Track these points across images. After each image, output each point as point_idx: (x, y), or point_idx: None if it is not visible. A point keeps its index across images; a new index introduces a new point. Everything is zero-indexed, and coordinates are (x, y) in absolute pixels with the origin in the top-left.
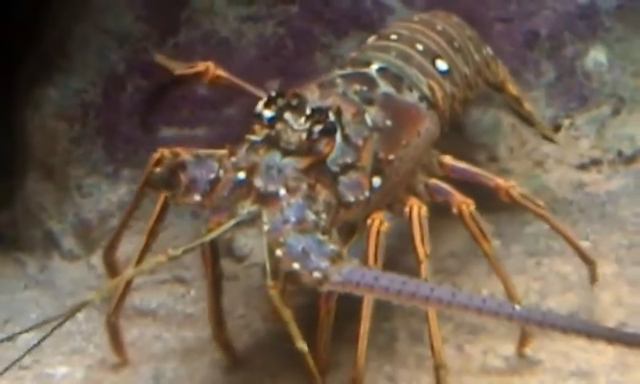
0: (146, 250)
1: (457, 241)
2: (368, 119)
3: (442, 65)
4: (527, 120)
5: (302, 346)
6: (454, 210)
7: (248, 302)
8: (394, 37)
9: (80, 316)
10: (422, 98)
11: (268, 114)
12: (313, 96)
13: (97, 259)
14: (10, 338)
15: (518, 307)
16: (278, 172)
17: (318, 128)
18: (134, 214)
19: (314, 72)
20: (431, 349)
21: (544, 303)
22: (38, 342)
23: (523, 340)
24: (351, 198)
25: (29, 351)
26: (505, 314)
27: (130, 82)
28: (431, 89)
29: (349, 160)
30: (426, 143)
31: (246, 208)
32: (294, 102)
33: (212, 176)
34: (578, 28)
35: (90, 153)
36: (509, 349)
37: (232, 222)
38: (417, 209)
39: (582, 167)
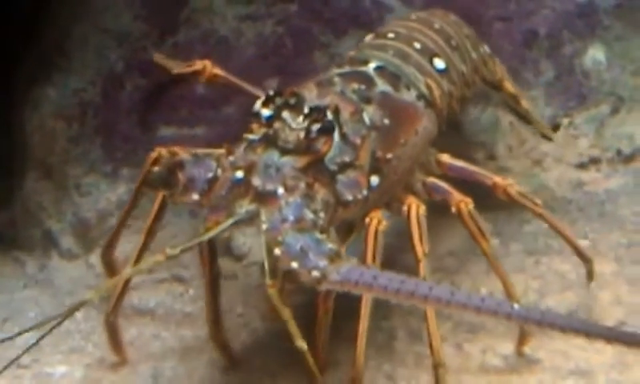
0: (144, 250)
1: (456, 239)
2: (366, 118)
3: (439, 63)
4: (525, 118)
5: (302, 344)
6: (453, 209)
7: (247, 301)
8: (391, 35)
9: (79, 315)
10: (420, 96)
11: (266, 112)
12: (311, 95)
13: (95, 258)
14: (11, 339)
15: (516, 306)
16: (276, 171)
17: (316, 127)
18: (132, 213)
19: (312, 71)
20: (430, 347)
21: (543, 302)
22: (37, 341)
23: (522, 339)
24: (349, 197)
25: (27, 350)
26: (504, 313)
27: (128, 82)
28: (429, 87)
29: (347, 159)
30: (424, 142)
31: (244, 207)
32: (292, 101)
33: (210, 175)
34: (576, 27)
35: (88, 152)
36: (508, 347)
37: (230, 221)
38: (415, 208)
39: (581, 166)
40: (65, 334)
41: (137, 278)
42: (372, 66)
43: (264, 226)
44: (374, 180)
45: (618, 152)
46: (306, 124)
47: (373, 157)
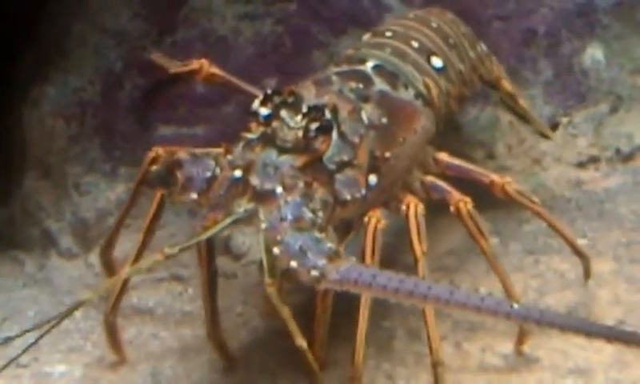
0: (142, 249)
1: (455, 238)
2: (364, 117)
3: (437, 62)
4: (522, 117)
5: (302, 342)
6: (452, 209)
7: (246, 300)
8: (388, 34)
9: (78, 314)
10: (418, 95)
11: (264, 111)
12: (309, 94)
13: (95, 257)
14: (12, 339)
15: (516, 305)
16: (274, 170)
17: (314, 126)
18: (131, 212)
19: (311, 70)
20: (429, 346)
21: (542, 301)
22: (36, 340)
23: (521, 338)
24: (347, 196)
25: (26, 349)
26: (503, 312)
27: (127, 81)
28: (427, 86)
29: (345, 158)
30: (422, 140)
31: (243, 206)
32: (290, 100)
33: (208, 174)
34: (575, 26)
35: (87, 151)
36: (507, 346)
37: (228, 220)
38: (414, 207)
39: (580, 165)
40: (64, 333)
41: (136, 278)
42: (370, 64)
43: (262, 225)
44: (373, 179)
45: (617, 151)
46: (304, 123)
47: (371, 156)
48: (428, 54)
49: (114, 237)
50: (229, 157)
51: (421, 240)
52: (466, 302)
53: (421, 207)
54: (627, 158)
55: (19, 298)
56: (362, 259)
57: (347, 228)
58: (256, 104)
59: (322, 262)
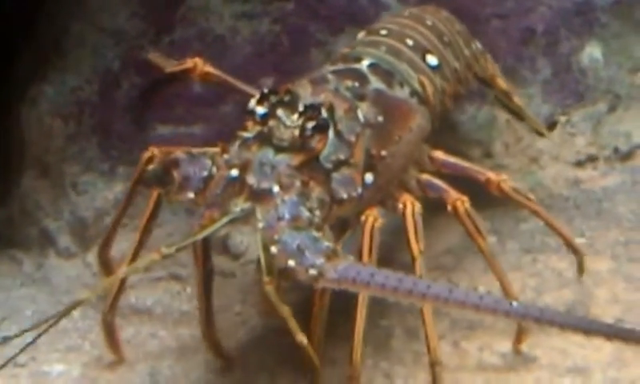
0: (139, 248)
1: (453, 237)
2: (360, 115)
3: (432, 60)
4: (517, 115)
5: (302, 338)
6: (449, 208)
7: (244, 299)
8: (383, 32)
9: (76, 314)
10: (413, 93)
11: (260, 110)
12: (305, 92)
13: (93, 257)
14: (10, 339)
15: (515, 304)
16: (271, 169)
17: (310, 124)
18: (128, 211)
19: (309, 69)
20: (427, 345)
21: (540, 300)
22: (34, 340)
23: (519, 336)
24: (344, 195)
25: (24, 349)
26: (502, 310)
27: (125, 80)
28: (422, 84)
29: (342, 156)
30: (418, 139)
31: (240, 205)
32: (287, 99)
33: (205, 173)
34: (573, 24)
35: (85, 150)
36: (505, 345)
37: (225, 219)
38: (410, 205)
39: (578, 164)
40: (62, 332)
41: (134, 277)
42: (365, 63)
43: (260, 225)
44: (369, 177)
45: (615, 150)
46: (300, 122)
47: (367, 154)
48: (423, 52)
49: (111, 236)
50: (225, 156)
51: (418, 239)
52: (465, 301)
53: (418, 206)
54: (625, 156)
55: (17, 298)
56: (360, 258)
57: (344, 227)
58: (252, 103)
59: (319, 260)
